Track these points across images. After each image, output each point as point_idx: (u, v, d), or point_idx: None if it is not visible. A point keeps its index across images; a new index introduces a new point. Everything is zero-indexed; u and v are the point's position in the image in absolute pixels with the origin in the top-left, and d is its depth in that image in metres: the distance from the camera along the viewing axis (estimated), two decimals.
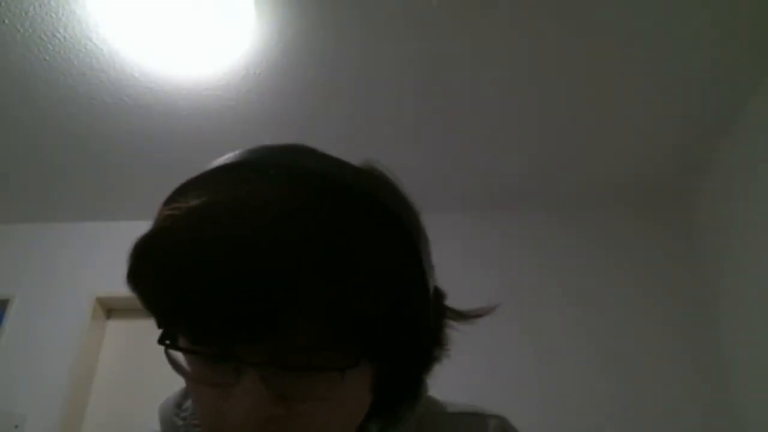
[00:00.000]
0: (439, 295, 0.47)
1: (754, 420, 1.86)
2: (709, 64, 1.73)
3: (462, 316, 0.49)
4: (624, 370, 2.07)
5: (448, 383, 0.55)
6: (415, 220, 0.42)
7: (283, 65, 1.75)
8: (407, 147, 2.08)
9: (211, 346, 0.37)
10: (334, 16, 1.60)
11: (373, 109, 1.93)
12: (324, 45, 1.69)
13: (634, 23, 1.60)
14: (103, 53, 1.71)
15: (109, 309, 2.39)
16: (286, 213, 0.35)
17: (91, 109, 1.91)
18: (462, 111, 1.93)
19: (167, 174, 2.21)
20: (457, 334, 0.48)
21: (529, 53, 1.71)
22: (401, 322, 0.39)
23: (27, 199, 2.37)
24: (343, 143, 2.09)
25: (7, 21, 1.60)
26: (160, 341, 0.39)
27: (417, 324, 0.41)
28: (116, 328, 2.37)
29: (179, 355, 0.39)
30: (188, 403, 0.50)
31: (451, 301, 0.51)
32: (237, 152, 0.42)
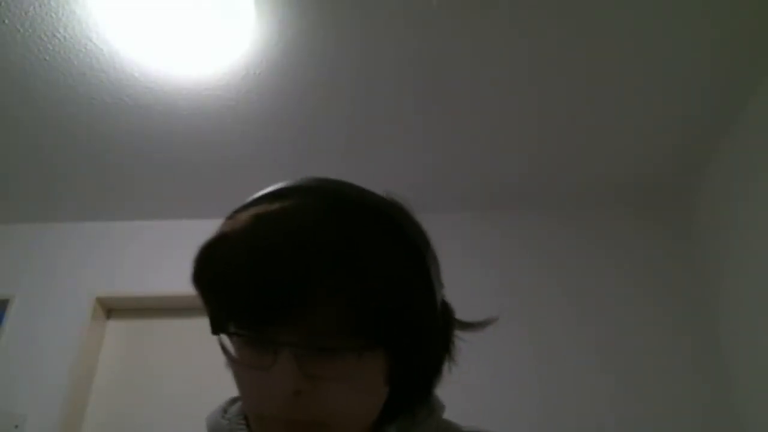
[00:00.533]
0: (447, 308, 0.55)
1: (755, 420, 1.86)
2: (709, 64, 1.73)
3: (469, 326, 0.56)
4: (624, 369, 2.07)
5: (448, 383, 0.56)
6: (425, 243, 0.51)
7: (283, 65, 1.75)
8: (407, 147, 2.08)
9: (254, 329, 0.46)
10: (334, 16, 1.61)
11: (373, 109, 1.93)
12: (324, 45, 1.69)
13: (634, 23, 1.61)
14: (103, 53, 1.71)
15: (109, 309, 2.39)
16: (320, 223, 0.45)
17: (91, 109, 1.91)
18: (462, 111, 1.93)
19: (167, 174, 2.21)
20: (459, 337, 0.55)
21: (529, 53, 1.71)
22: (412, 318, 0.47)
23: (27, 199, 2.37)
24: (343, 143, 2.09)
25: (7, 21, 1.60)
26: (213, 331, 0.49)
27: (426, 324, 0.49)
28: (116, 328, 2.37)
29: (229, 345, 0.49)
30: (233, 408, 0.58)
31: (452, 300, 0.56)
32: (284, 181, 0.53)
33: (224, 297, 0.47)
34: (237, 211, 0.51)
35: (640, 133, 2.00)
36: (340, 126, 1.99)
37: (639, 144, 2.06)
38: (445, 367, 0.54)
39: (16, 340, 2.26)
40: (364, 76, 1.80)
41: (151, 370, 2.24)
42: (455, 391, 0.60)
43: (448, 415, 0.58)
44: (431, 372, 0.54)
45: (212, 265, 0.47)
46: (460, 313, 0.57)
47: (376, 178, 2.11)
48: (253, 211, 0.48)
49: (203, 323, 0.50)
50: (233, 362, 0.49)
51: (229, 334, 0.48)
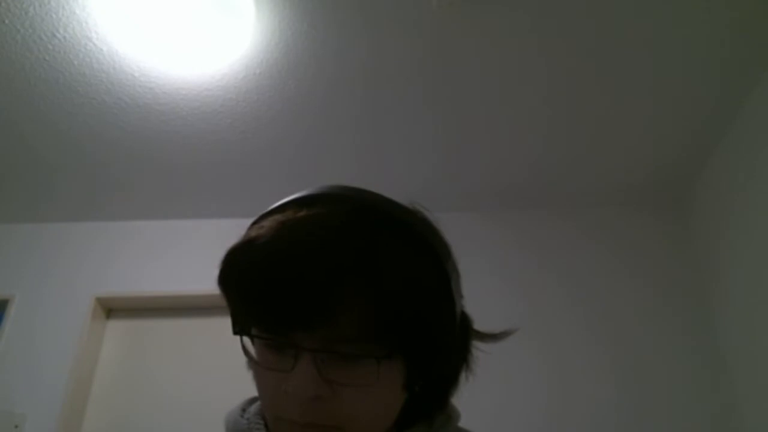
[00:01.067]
0: (467, 319, 0.57)
1: (756, 420, 1.86)
2: (709, 65, 1.73)
3: (485, 337, 0.58)
4: (627, 368, 2.07)
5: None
6: (447, 253, 0.52)
7: (283, 65, 1.75)
8: (410, 147, 2.08)
9: (275, 333, 0.48)
10: (334, 16, 1.61)
11: (374, 110, 1.93)
12: (324, 45, 1.69)
13: (634, 24, 1.61)
14: (103, 53, 1.71)
15: (109, 309, 2.39)
16: (343, 232, 0.46)
17: (91, 109, 1.91)
18: (465, 111, 1.93)
19: (167, 174, 2.21)
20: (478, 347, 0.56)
21: (531, 54, 1.71)
22: (432, 327, 0.48)
23: (27, 199, 2.37)
24: (344, 143, 2.09)
25: (7, 21, 1.60)
26: (236, 332, 0.50)
27: (445, 333, 0.50)
28: (116, 328, 2.37)
29: (250, 347, 0.50)
30: (252, 408, 0.58)
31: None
32: (309, 189, 0.53)
33: (247, 301, 0.48)
34: (262, 217, 0.52)
35: (641, 133, 2.00)
36: (341, 126, 1.99)
37: (640, 144, 2.06)
38: (463, 376, 0.56)
39: (16, 340, 2.26)
40: (364, 77, 1.80)
41: (150, 370, 2.24)
42: (459, 391, 0.60)
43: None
44: (449, 381, 0.55)
45: (237, 269, 0.48)
46: (467, 312, 0.57)
47: (377, 178, 2.11)
48: (278, 217, 0.49)
49: (203, 323, 0.50)
50: (254, 364, 0.51)
51: (251, 337, 0.50)
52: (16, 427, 2.07)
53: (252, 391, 0.54)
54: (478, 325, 0.58)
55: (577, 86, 1.82)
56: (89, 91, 1.83)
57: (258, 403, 0.57)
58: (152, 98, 1.87)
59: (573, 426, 2.00)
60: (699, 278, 2.19)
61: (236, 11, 1.57)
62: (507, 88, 1.83)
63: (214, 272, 0.50)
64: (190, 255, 2.33)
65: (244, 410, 0.59)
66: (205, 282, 0.64)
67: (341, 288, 0.44)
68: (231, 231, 0.55)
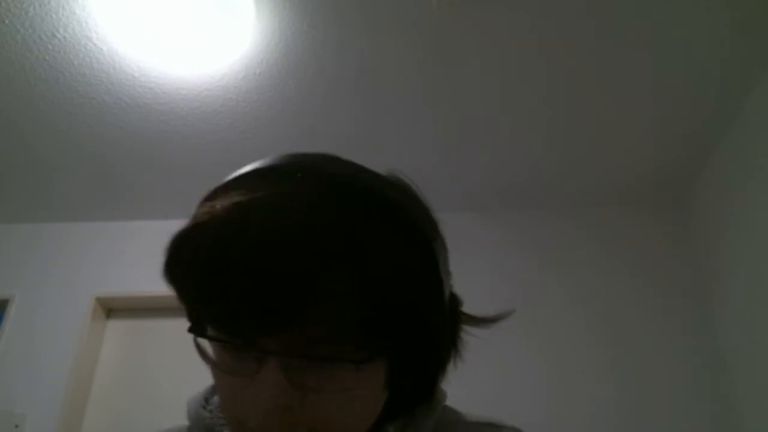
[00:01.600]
0: (455, 300, 0.50)
1: (756, 420, 1.86)
2: (709, 65, 1.73)
3: (477, 321, 0.51)
4: (626, 368, 2.07)
5: (451, 382, 0.55)
6: (432, 227, 0.45)
7: (283, 65, 1.75)
8: (409, 146, 2.08)
9: (235, 336, 0.40)
10: (334, 16, 1.60)
11: (373, 110, 1.93)
12: (324, 45, 1.69)
13: (634, 24, 1.61)
14: (103, 53, 1.71)
15: (109, 309, 2.39)
16: (309, 214, 0.39)
17: (91, 109, 1.91)
18: (465, 111, 1.93)
19: (167, 174, 2.21)
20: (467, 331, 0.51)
21: (530, 53, 1.71)
22: (414, 320, 0.41)
23: (27, 199, 2.37)
24: (345, 143, 2.09)
25: (7, 21, 1.60)
26: (190, 330, 0.43)
27: (430, 324, 0.43)
28: (116, 328, 2.37)
29: (206, 345, 0.43)
30: (215, 398, 0.53)
31: None
32: (269, 158, 0.46)
33: (199, 299, 0.41)
34: (215, 194, 0.44)
35: (641, 133, 2.00)
36: (341, 126, 1.99)
37: (640, 144, 2.06)
38: (451, 363, 0.50)
39: (16, 340, 2.26)
40: (364, 77, 1.80)
41: (150, 370, 2.24)
42: (454, 388, 0.59)
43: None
44: (435, 372, 0.49)
45: (186, 260, 0.41)
46: (455, 293, 0.52)
47: None
48: (235, 196, 0.41)
49: None
50: (211, 366, 0.44)
51: (207, 338, 0.42)
52: (16, 427, 2.07)
53: None
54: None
55: (577, 86, 1.82)
56: (89, 91, 1.83)
57: None
58: (152, 98, 1.87)
59: (573, 426, 2.00)
60: (699, 278, 2.19)
61: (236, 11, 1.57)
62: (507, 88, 1.83)
63: None
64: None
65: (207, 400, 0.53)
66: None
67: (314, 284, 0.37)
68: None
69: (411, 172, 0.50)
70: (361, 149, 2.08)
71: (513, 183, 2.28)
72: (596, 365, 2.08)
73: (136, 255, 2.38)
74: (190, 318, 0.45)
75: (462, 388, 0.64)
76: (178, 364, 2.21)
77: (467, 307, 0.52)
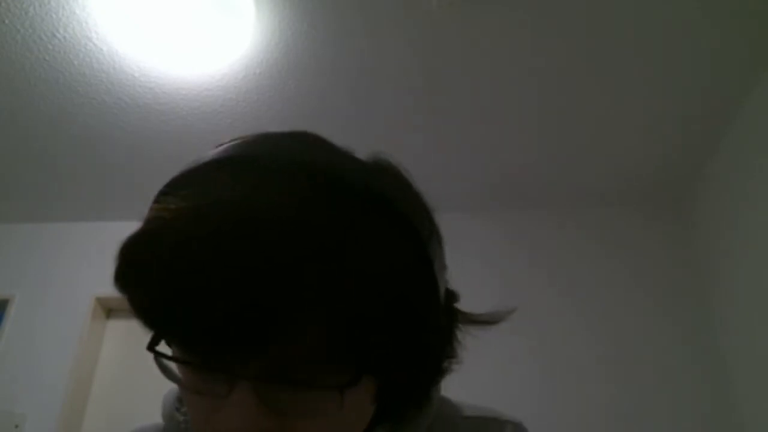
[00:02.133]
0: (451, 297, 0.45)
1: (756, 420, 1.86)
2: (709, 64, 1.73)
3: (475, 320, 0.47)
4: (626, 368, 2.07)
5: (445, 380, 0.55)
6: (425, 218, 0.40)
7: (283, 65, 1.75)
8: (407, 146, 2.08)
9: (201, 356, 0.35)
10: (334, 16, 1.60)
11: (373, 109, 1.93)
12: (324, 45, 1.69)
13: (634, 23, 1.60)
14: (103, 53, 1.71)
15: (109, 309, 2.39)
16: (282, 218, 0.33)
17: (91, 109, 1.91)
18: (463, 110, 1.93)
19: (167, 174, 2.20)
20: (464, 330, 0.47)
21: (530, 53, 1.71)
22: (406, 334, 0.36)
23: (27, 199, 2.37)
24: (344, 143, 2.09)
25: (7, 21, 1.60)
26: (149, 347, 0.37)
27: (424, 328, 0.38)
28: (116, 328, 2.37)
29: (168, 363, 0.38)
30: None
31: None
32: (231, 143, 0.39)
33: (155, 315, 0.35)
34: (173, 188, 0.38)
35: (641, 133, 2.00)
36: (341, 126, 1.99)
37: (640, 144, 2.06)
38: (447, 366, 0.45)
39: (16, 340, 2.26)
40: (364, 77, 1.80)
41: (150, 370, 2.21)
42: (453, 388, 0.59)
43: None
44: (429, 379, 0.45)
45: (134, 270, 0.35)
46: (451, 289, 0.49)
47: None
48: (195, 195, 0.35)
49: None
50: (176, 384, 0.38)
51: (169, 359, 0.37)
52: (16, 427, 2.07)
53: None
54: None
55: (577, 86, 1.82)
56: (89, 91, 1.83)
57: None
58: (152, 98, 1.87)
59: (573, 427, 2.00)
60: (699, 278, 2.19)
61: (236, 11, 1.57)
62: (507, 87, 1.83)
63: None
64: None
65: (180, 401, 0.49)
66: None
67: (290, 299, 0.32)
68: None
69: (410, 172, 0.47)
70: (360, 149, 2.07)
71: (513, 183, 2.28)
72: (596, 365, 2.08)
73: None
74: (149, 331, 0.38)
75: (461, 388, 0.64)
76: None
77: (466, 307, 0.51)
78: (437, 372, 0.44)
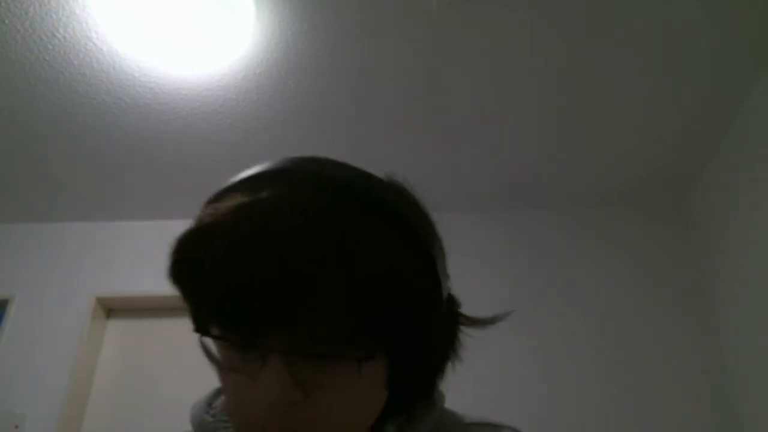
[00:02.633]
0: (453, 302, 0.51)
1: (756, 421, 1.86)
2: (709, 64, 1.73)
3: (475, 322, 0.52)
4: (626, 368, 2.07)
5: (447, 381, 0.55)
6: (430, 230, 0.47)
7: (283, 65, 1.75)
8: (407, 146, 2.08)
9: (239, 334, 0.42)
10: (334, 15, 1.61)
11: (373, 109, 1.93)
12: (324, 45, 1.69)
13: (634, 23, 1.61)
14: (103, 53, 1.71)
15: (109, 309, 2.39)
16: (310, 215, 0.40)
17: (91, 109, 1.91)
18: (463, 110, 1.93)
19: (167, 174, 2.21)
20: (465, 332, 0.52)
21: (530, 53, 1.71)
22: (414, 320, 0.43)
23: (27, 199, 2.37)
24: (344, 143, 2.09)
25: (7, 21, 1.60)
26: (195, 330, 0.44)
27: (429, 325, 0.45)
28: (116, 328, 2.37)
29: (211, 345, 0.45)
30: (218, 402, 0.54)
31: None
32: (268, 162, 0.47)
33: (204, 298, 0.42)
34: (219, 196, 0.45)
35: (641, 133, 2.00)
36: (341, 126, 1.99)
37: (640, 144, 2.06)
38: (449, 364, 0.51)
39: (16, 340, 2.26)
40: (364, 76, 1.80)
41: (150, 370, 2.24)
42: (452, 388, 0.59)
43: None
44: (434, 372, 0.51)
45: (191, 262, 0.42)
46: (453, 295, 0.53)
47: None
48: (237, 198, 0.42)
49: None
50: (216, 366, 0.46)
51: (212, 337, 0.44)
52: (16, 427, 2.07)
53: None
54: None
55: (577, 86, 1.82)
56: (89, 91, 1.83)
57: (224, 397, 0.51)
58: (152, 98, 1.87)
59: (573, 427, 2.00)
60: (699, 278, 2.19)
61: (236, 11, 1.57)
62: (507, 87, 1.83)
63: None
64: None
65: (209, 405, 0.54)
66: None
67: (316, 284, 0.39)
68: None
69: (411, 172, 0.50)
70: (360, 148, 2.08)
71: (512, 183, 2.28)
72: (596, 366, 2.08)
73: (136, 255, 2.38)
74: (195, 318, 0.46)
75: (461, 388, 0.64)
76: (178, 364, 2.22)
77: (466, 307, 0.52)
78: (440, 365, 0.50)
